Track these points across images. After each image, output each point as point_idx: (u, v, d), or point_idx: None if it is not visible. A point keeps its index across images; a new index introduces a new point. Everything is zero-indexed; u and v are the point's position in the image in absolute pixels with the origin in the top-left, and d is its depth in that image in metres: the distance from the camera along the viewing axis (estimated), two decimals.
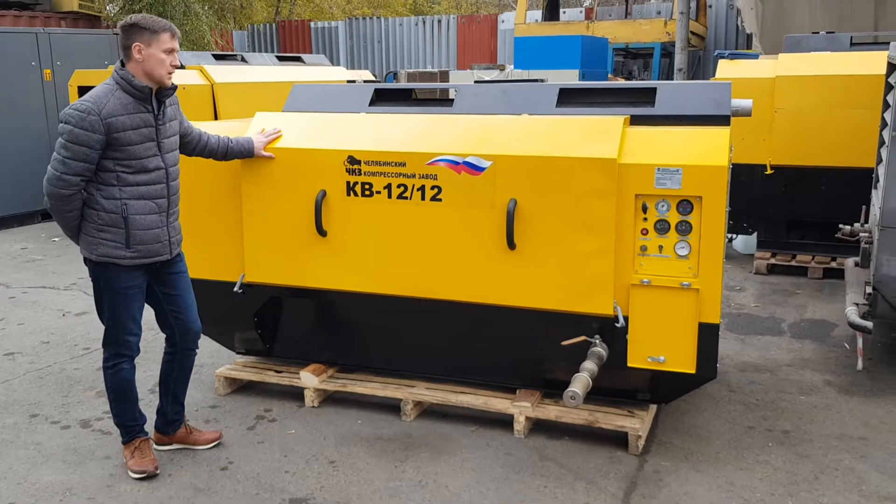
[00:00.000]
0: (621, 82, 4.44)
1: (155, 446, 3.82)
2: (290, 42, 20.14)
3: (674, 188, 3.53)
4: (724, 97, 3.82)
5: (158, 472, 3.64)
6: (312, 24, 20.21)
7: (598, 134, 3.66)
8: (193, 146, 3.78)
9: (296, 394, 4.41)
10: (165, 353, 3.80)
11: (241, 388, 4.57)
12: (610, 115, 3.84)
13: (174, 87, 3.48)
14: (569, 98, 4.10)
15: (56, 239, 8.93)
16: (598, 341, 3.75)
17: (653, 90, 3.98)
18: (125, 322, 3.52)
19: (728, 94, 3.84)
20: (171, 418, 3.85)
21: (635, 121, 3.85)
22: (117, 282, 3.45)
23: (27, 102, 9.55)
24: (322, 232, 4.05)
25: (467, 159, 3.76)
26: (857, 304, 4.59)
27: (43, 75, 9.66)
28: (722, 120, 3.74)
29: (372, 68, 18.90)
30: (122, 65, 3.37)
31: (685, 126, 3.74)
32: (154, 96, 3.40)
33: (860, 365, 4.59)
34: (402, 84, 4.73)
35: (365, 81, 8.37)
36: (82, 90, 8.59)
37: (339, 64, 19.28)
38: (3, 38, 9.40)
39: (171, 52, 3.34)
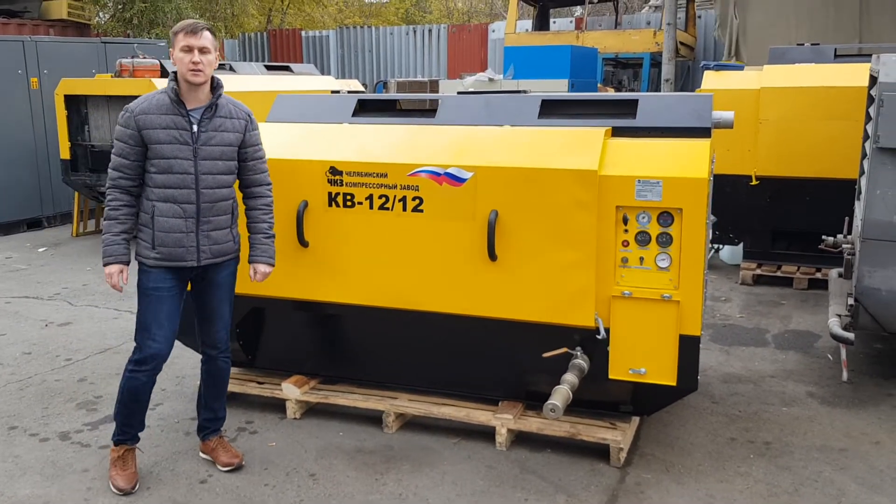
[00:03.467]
0: (602, 93, 4.44)
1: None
2: (282, 51, 20.13)
3: (654, 200, 3.54)
4: (704, 109, 3.83)
5: (135, 490, 3.58)
6: (304, 32, 20.22)
7: (579, 145, 3.67)
8: (244, 177, 3.66)
9: (278, 405, 4.38)
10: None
11: None
12: (591, 126, 3.85)
13: (218, 93, 3.49)
14: (551, 109, 4.11)
15: (41, 249, 8.88)
16: (579, 353, 3.75)
17: (634, 102, 3.98)
18: (148, 324, 3.51)
19: (709, 106, 3.85)
20: (202, 424, 3.89)
21: (617, 132, 3.86)
22: (145, 281, 3.50)
23: (13, 111, 9.51)
24: (304, 243, 4.04)
25: (448, 170, 3.76)
26: (839, 316, 4.60)
27: (30, 83, 9.63)
28: (702, 132, 3.75)
29: (363, 77, 18.91)
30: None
31: (666, 138, 3.75)
32: (209, 102, 3.47)
33: (845, 376, 4.59)
34: (386, 95, 4.73)
35: (350, 92, 8.37)
36: (69, 99, 8.58)
37: (329, 73, 19.30)
38: None
39: (187, 49, 3.35)
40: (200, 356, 3.83)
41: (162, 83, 7.94)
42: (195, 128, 3.44)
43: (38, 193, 9.90)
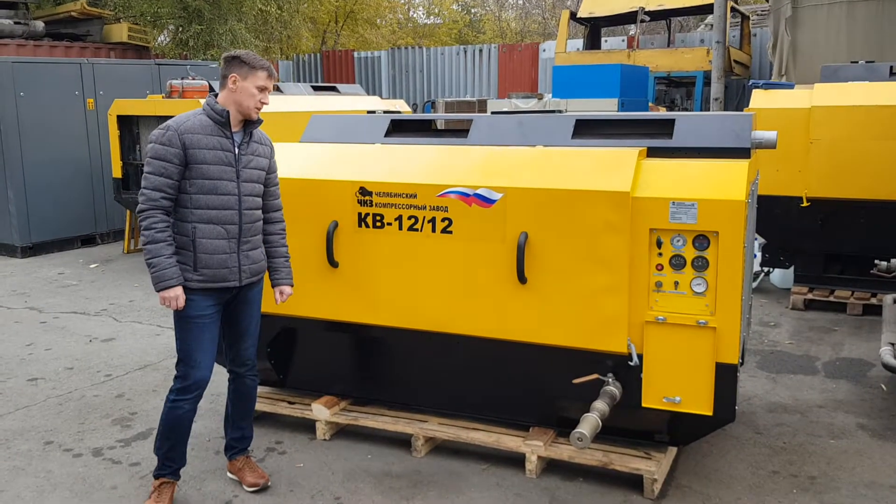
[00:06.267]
0: (638, 113, 4.34)
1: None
2: (334, 71, 20.39)
3: (689, 223, 3.42)
4: (744, 129, 3.70)
5: None
6: (356, 53, 20.45)
7: (612, 166, 3.57)
8: (264, 202, 3.69)
9: (308, 426, 4.36)
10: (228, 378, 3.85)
11: (256, 418, 4.49)
12: (626, 146, 3.75)
13: (259, 121, 3.56)
14: (585, 129, 4.02)
15: (93, 265, 9.08)
16: (611, 380, 3.64)
17: (671, 122, 3.88)
18: (192, 353, 3.49)
19: (748, 125, 3.72)
20: (229, 443, 3.88)
21: (653, 153, 3.76)
22: (188, 308, 3.45)
23: (70, 131, 9.79)
24: (333, 263, 4.02)
25: (478, 191, 3.70)
26: (892, 344, 4.39)
27: (86, 104, 9.90)
28: (741, 153, 3.63)
29: (413, 97, 19.02)
30: (216, 95, 3.51)
31: (703, 159, 3.63)
32: (243, 128, 3.51)
33: None
34: (419, 115, 4.70)
35: (384, 112, 8.38)
36: (121, 119, 8.78)
37: (381, 93, 19.47)
38: (49, 69, 9.68)
39: (263, 89, 3.45)
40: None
41: None
42: (237, 150, 3.48)
43: (93, 211, 10.14)
